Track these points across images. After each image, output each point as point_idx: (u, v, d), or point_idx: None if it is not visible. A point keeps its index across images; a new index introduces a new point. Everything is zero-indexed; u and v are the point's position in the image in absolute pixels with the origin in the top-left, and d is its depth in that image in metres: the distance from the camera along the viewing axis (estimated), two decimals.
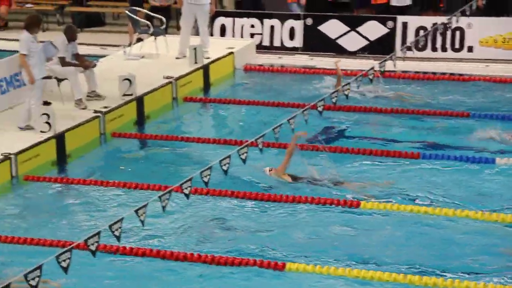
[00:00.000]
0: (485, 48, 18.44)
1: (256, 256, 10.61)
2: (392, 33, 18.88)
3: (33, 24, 13.97)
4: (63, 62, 15.01)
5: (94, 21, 21.28)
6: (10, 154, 13.10)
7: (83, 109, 14.98)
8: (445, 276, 10.05)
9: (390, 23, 18.90)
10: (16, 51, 14.57)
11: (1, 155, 13.04)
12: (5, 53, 17.26)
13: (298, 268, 10.29)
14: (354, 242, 10.95)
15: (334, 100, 12.00)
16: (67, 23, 21.11)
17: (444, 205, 11.79)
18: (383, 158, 13.55)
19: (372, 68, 12.77)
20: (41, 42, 14.52)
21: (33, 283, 7.73)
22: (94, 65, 15.64)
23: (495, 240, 10.92)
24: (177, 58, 17.89)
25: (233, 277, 10.18)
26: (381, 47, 18.56)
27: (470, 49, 18.58)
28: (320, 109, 11.69)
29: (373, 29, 18.94)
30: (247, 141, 10.53)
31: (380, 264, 10.34)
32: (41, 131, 13.87)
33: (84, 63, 15.39)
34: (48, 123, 13.89)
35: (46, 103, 14.57)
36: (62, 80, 15.29)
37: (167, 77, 16.77)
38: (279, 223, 11.53)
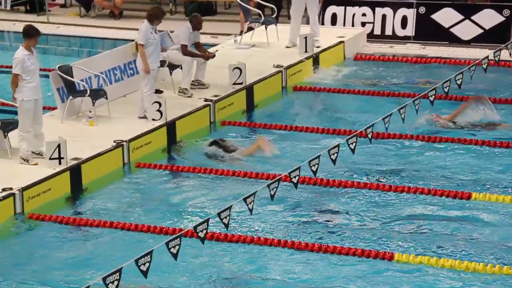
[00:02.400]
0: None
1: (366, 246, 10.54)
2: (508, 21, 18.41)
3: (155, 15, 14.17)
4: (184, 50, 15.16)
5: (206, 10, 21.45)
6: (122, 141, 13.35)
7: (189, 97, 15.14)
8: None
9: (506, 11, 18.44)
10: (130, 40, 14.83)
11: (114, 142, 13.31)
12: (121, 41, 17.60)
13: (406, 259, 10.16)
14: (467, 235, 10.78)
15: (446, 90, 11.81)
16: (180, 12, 21.42)
17: None
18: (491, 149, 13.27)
19: (487, 57, 12.49)
20: (159, 31, 14.72)
21: (143, 268, 7.87)
22: (214, 56, 15.77)
23: None
24: (287, 47, 17.89)
25: (343, 266, 10.13)
26: (496, 36, 18.12)
27: None
28: (431, 98, 11.53)
29: (489, 17, 18.50)
30: (355, 131, 10.46)
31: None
32: (153, 119, 14.09)
33: (205, 53, 15.53)
34: (159, 111, 14.09)
35: (158, 92, 14.79)
36: (175, 68, 15.48)
37: (277, 66, 16.79)
38: (395, 214, 11.40)
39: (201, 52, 15.47)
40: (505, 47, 13.17)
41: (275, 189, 9.11)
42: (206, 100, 15.12)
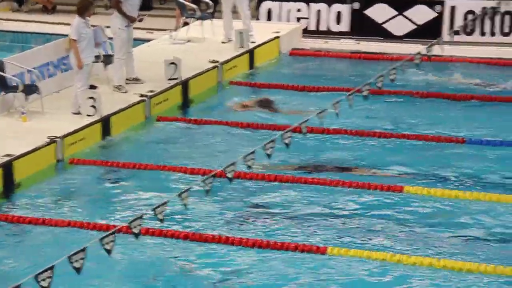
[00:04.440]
0: None
1: (298, 240, 10.61)
2: (440, 17, 18.68)
3: (84, 8, 14.02)
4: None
5: (142, 5, 21.31)
6: (56, 137, 13.22)
7: (124, 93, 15.06)
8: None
9: (438, 7, 18.70)
10: (64, 35, 14.68)
11: (48, 138, 13.17)
12: (54, 36, 17.41)
13: (339, 252, 10.26)
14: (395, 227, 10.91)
15: (379, 85, 11.93)
16: None
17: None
18: (427, 143, 13.46)
19: (419, 53, 12.65)
20: (92, 26, 14.59)
21: (77, 265, 7.80)
22: (141, 20, 15.59)
23: None
24: (223, 42, 17.89)
25: (278, 260, 10.18)
26: (428, 32, 18.37)
27: None
28: (365, 93, 11.63)
29: (421, 13, 18.75)
30: (291, 126, 10.52)
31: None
32: (87, 115, 13.97)
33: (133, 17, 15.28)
34: (94, 106, 13.98)
35: (92, 87, 14.67)
36: (110, 63, 15.38)
37: (213, 61, 16.78)
38: (320, 207, 11.50)
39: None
40: (436, 42, 13.35)
41: (210, 184, 9.12)
42: (141, 95, 15.05)
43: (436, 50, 13.34)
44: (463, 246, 10.41)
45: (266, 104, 15.32)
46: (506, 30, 18.38)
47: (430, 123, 14.42)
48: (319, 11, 19.35)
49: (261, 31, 18.16)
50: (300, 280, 9.74)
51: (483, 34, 18.48)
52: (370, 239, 10.60)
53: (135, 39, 16.00)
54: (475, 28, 18.24)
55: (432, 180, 12.19)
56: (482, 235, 10.66)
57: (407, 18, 18.84)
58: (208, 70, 16.47)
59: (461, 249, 10.31)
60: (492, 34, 18.46)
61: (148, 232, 10.64)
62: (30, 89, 14.15)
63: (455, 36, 14.42)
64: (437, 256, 10.12)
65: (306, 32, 19.26)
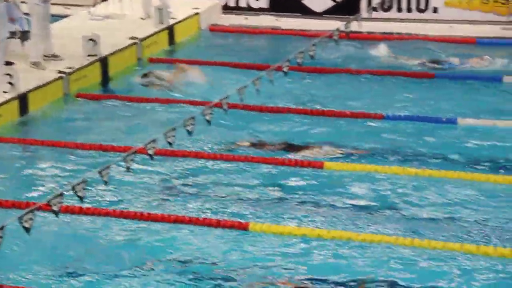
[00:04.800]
0: (450, 9, 18.48)
1: (220, 216, 10.65)
2: None
3: None
4: None
5: None
6: None
7: (42, 69, 14.84)
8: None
9: None
10: None
11: None
12: None
13: (262, 228, 10.33)
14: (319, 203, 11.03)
15: (299, 61, 12.00)
16: None
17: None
18: (346, 120, 13.61)
19: (338, 29, 12.76)
20: (5, 1, 14.30)
21: None
22: None
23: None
24: (142, 18, 17.76)
25: (197, 237, 10.21)
26: (347, 8, 18.52)
27: (435, 10, 18.62)
28: (285, 69, 11.69)
29: None
30: (212, 102, 10.52)
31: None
32: (4, 92, 13.73)
33: None
34: (10, 83, 13.75)
35: (9, 63, 14.41)
36: (26, 40, 15.13)
37: (132, 38, 16.65)
38: (242, 184, 11.56)
39: None
40: (354, 18, 13.48)
41: (131, 161, 9.07)
42: (60, 72, 14.85)
43: (355, 26, 13.48)
44: (384, 220, 10.58)
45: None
46: (422, 7, 18.66)
47: (348, 99, 14.56)
48: None
49: (180, 7, 18.07)
50: (222, 256, 9.78)
51: (399, 10, 18.72)
52: (292, 215, 10.70)
53: (52, 15, 15.77)
54: (393, 4, 18.47)
55: (353, 155, 12.34)
56: (401, 208, 10.84)
57: None
58: (127, 47, 16.33)
59: (382, 223, 10.47)
60: (409, 10, 18.72)
61: (68, 209, 10.53)
62: None
63: (373, 12, 14.58)
64: (358, 230, 10.26)
65: (226, 8, 19.23)
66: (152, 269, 9.48)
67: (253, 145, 12.72)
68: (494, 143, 12.64)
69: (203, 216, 10.65)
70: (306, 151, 12.45)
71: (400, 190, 11.24)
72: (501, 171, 11.67)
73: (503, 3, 18.15)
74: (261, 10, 19.27)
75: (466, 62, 15.90)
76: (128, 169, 9.07)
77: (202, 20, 18.33)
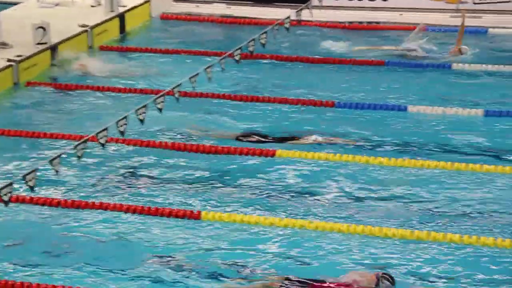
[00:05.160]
0: None
1: (173, 206, 10.65)
2: None
3: None
4: None
5: None
6: None
7: None
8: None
9: None
10: None
11: None
12: None
13: (214, 216, 10.34)
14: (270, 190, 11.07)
15: (251, 49, 12.01)
16: None
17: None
18: (298, 107, 13.66)
19: (289, 17, 12.79)
20: None
21: None
22: None
23: None
24: (92, 6, 17.62)
25: (151, 226, 10.19)
26: None
27: None
28: (237, 57, 11.69)
29: None
30: (164, 90, 10.49)
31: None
32: None
33: None
34: None
35: None
36: None
37: (82, 26, 16.52)
38: (197, 173, 11.56)
39: None
40: (305, 7, 13.52)
41: (82, 150, 9.02)
42: (9, 60, 14.68)
43: (306, 14, 13.52)
44: (334, 208, 10.65)
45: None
46: None
47: (300, 87, 14.61)
48: None
49: None
50: (175, 245, 9.78)
51: None
52: (245, 203, 10.72)
53: (0, 3, 15.58)
54: None
55: (305, 143, 12.39)
56: (352, 194, 10.93)
57: None
58: (77, 35, 16.20)
59: (336, 211, 10.53)
60: None
61: (18, 199, 10.45)
62: None
63: (323, 0, 14.61)
64: (308, 217, 10.32)
65: None
66: (106, 261, 9.45)
67: (205, 133, 12.71)
68: (443, 130, 12.78)
69: (155, 205, 10.62)
70: (256, 137, 12.48)
71: (350, 178, 11.32)
72: (449, 157, 11.80)
73: None
74: None
75: (444, 52, 15.90)
76: (79, 158, 9.03)
77: (153, 8, 18.24)
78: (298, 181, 11.33)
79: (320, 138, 12.36)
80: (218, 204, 10.72)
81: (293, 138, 12.44)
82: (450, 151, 12.06)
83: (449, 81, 14.88)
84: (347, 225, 10.04)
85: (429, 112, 13.39)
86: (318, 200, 10.82)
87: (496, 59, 15.64)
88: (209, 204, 10.72)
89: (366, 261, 9.39)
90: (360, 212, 10.48)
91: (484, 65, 15.26)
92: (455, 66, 15.37)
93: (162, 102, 10.10)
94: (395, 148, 12.20)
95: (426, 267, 9.29)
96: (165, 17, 18.31)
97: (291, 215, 10.40)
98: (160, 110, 10.11)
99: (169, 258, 9.45)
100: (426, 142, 12.34)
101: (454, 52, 15.78)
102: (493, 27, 17.34)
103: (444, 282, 9.04)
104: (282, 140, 12.41)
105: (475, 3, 18.31)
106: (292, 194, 10.97)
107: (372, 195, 10.90)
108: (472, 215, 10.37)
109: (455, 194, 10.86)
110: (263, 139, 12.43)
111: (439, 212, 10.49)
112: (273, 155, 11.95)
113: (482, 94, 14.14)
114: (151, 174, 11.52)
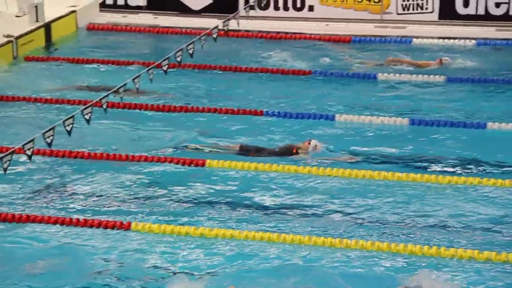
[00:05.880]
0: (325, 7, 18.81)
1: (102, 217, 10.58)
2: None
3: None
4: None
5: None
6: None
7: None
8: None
9: None
10: None
11: None
12: None
13: (144, 227, 10.31)
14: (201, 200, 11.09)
15: (179, 59, 12.03)
16: None
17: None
18: (227, 115, 13.71)
19: (216, 27, 12.85)
20: None
21: None
22: None
23: None
24: (17, 16, 17.42)
25: (79, 237, 10.11)
26: (225, 6, 18.62)
27: (311, 8, 18.91)
28: (165, 68, 11.70)
29: None
30: (91, 101, 10.43)
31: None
32: None
33: None
34: None
35: None
36: None
37: (7, 36, 16.31)
38: (125, 184, 11.51)
39: None
40: (233, 17, 13.60)
41: (8, 162, 8.92)
42: None
43: (233, 24, 13.59)
44: (268, 217, 10.69)
45: None
46: (298, 5, 18.93)
47: (228, 96, 14.66)
48: None
49: (57, 5, 17.80)
50: (106, 256, 9.72)
51: (277, 8, 18.95)
52: (174, 214, 10.72)
53: None
54: (270, 3, 18.68)
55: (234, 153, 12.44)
56: (277, 203, 10.99)
57: None
58: (2, 45, 15.99)
59: (277, 221, 10.56)
60: (286, 9, 18.97)
61: None
62: None
63: (250, 10, 14.72)
64: (239, 228, 10.35)
65: (104, 6, 19.05)
66: (33, 271, 9.35)
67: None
68: (370, 139, 12.96)
69: (87, 216, 10.55)
70: (185, 149, 12.48)
71: (275, 187, 11.38)
72: (378, 166, 11.97)
73: (376, 2, 18.60)
74: (139, 8, 19.17)
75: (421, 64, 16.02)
76: (5, 170, 8.91)
77: (80, 18, 18.11)
78: (228, 190, 11.36)
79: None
80: (148, 215, 10.69)
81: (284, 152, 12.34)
82: (380, 161, 12.21)
83: (375, 90, 15.08)
84: (269, 234, 10.05)
85: (356, 120, 13.57)
86: (248, 209, 10.87)
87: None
88: (140, 215, 10.68)
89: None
90: (281, 221, 10.52)
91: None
92: (380, 76, 15.58)
93: (89, 113, 10.05)
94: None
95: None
96: (91, 27, 18.21)
97: (219, 225, 10.42)
98: (87, 121, 10.05)
99: (100, 269, 9.39)
100: (352, 150, 12.49)
101: (436, 64, 15.90)
102: (417, 37, 17.65)
103: None
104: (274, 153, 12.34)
105: (398, 14, 18.61)
106: (223, 203, 10.99)
107: (293, 203, 10.98)
108: (386, 221, 10.49)
109: (371, 202, 10.97)
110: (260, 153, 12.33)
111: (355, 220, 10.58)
112: (203, 165, 11.96)
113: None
114: (78, 185, 11.43)
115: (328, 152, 12.28)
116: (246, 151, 12.33)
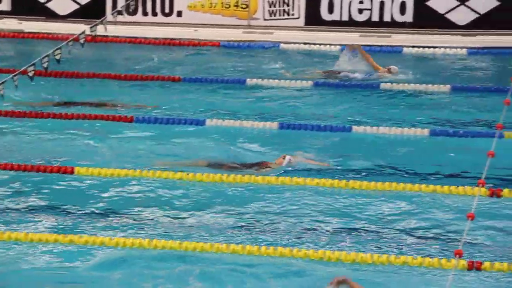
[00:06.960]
0: (193, 13, 18.88)
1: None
2: None
3: None
4: None
5: None
6: None
7: None
8: None
9: None
10: None
11: None
12: None
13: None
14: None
15: (45, 65, 11.85)
16: None
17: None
18: (96, 121, 13.56)
19: (83, 33, 12.72)
20: None
21: None
22: None
23: None
24: None
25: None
26: (92, 11, 18.43)
27: (179, 13, 18.94)
28: (30, 74, 11.50)
29: None
30: None
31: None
32: None
33: None
34: None
35: None
36: None
37: None
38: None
39: None
40: (100, 22, 13.48)
41: None
42: None
43: (101, 30, 13.48)
44: (178, 227, 10.52)
45: None
46: (167, 10, 18.92)
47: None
48: None
49: None
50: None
51: (145, 14, 18.88)
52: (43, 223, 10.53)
53: None
54: (138, 8, 18.60)
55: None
56: (206, 213, 10.82)
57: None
58: None
59: (176, 231, 10.39)
60: (154, 14, 18.93)
61: None
62: None
63: (118, 16, 14.62)
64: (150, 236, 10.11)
65: None
66: None
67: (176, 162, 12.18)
68: (242, 144, 13.03)
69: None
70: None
71: (203, 196, 11.20)
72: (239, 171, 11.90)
73: (243, 8, 18.77)
74: (3, 13, 18.76)
75: (372, 74, 16.00)
76: None
77: None
78: (96, 196, 11.22)
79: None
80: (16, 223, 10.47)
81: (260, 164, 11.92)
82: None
83: (243, 96, 15.21)
84: (186, 243, 9.73)
85: (228, 125, 13.63)
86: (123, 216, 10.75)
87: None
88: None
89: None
90: (197, 229, 10.35)
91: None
92: (249, 81, 15.73)
93: None
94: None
95: None
96: None
97: (92, 232, 10.29)
98: None
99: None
100: (221, 156, 12.54)
101: (383, 73, 15.94)
102: (285, 43, 17.91)
103: None
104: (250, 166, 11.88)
105: (265, 19, 18.85)
106: (87, 212, 10.86)
107: (174, 210, 10.95)
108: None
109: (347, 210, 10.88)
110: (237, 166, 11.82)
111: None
112: (71, 172, 11.77)
113: None
114: None
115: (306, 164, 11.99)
116: (218, 166, 11.85)
